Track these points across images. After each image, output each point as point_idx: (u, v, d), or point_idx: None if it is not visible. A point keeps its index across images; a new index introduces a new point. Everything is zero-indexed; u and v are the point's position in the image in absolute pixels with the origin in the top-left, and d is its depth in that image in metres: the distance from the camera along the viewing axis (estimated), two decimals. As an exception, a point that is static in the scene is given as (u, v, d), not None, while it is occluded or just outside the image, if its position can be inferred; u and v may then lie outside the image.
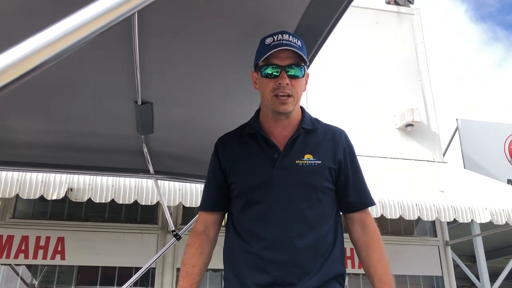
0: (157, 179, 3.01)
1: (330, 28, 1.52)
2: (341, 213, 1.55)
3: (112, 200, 3.67)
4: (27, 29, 0.75)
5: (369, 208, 1.54)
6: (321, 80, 5.88)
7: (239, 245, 1.44)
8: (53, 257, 4.48)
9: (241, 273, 1.41)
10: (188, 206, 3.83)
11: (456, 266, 5.73)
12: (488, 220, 4.23)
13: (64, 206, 4.73)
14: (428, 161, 6.04)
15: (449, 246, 5.61)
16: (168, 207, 3.61)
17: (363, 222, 1.50)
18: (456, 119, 6.96)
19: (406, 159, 5.91)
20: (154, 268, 4.65)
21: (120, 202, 3.72)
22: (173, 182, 3.61)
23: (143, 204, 3.76)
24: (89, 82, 1.83)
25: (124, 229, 4.74)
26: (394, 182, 5.05)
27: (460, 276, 6.23)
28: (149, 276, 4.65)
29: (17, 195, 3.51)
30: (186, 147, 2.52)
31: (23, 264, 4.49)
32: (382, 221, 4.62)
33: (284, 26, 1.44)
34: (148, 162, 2.62)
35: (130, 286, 2.89)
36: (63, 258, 4.50)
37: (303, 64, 1.41)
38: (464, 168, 6.45)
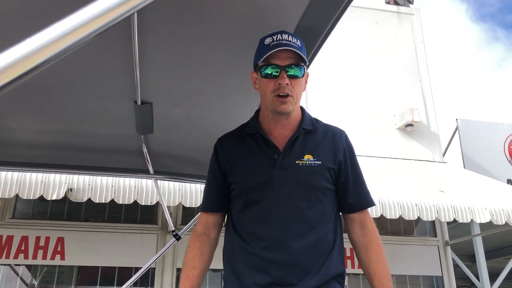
0: (156, 179, 3.01)
1: (329, 28, 1.52)
2: (340, 214, 1.55)
3: (112, 200, 3.67)
4: (26, 29, 0.74)
5: (369, 208, 1.54)
6: (321, 80, 5.88)
7: (239, 245, 1.44)
8: (53, 257, 4.48)
9: (241, 273, 1.41)
10: (188, 206, 3.83)
11: (456, 266, 5.73)
12: (488, 220, 4.23)
13: (64, 206, 4.72)
14: (428, 161, 6.05)
15: (449, 246, 5.61)
16: (168, 207, 3.61)
17: (363, 222, 1.50)
18: (456, 119, 6.96)
19: (406, 159, 5.91)
20: (154, 268, 4.65)
21: (120, 202, 3.72)
22: (172, 182, 3.61)
23: (143, 204, 3.76)
24: (89, 82, 1.83)
25: (124, 229, 4.74)
26: (394, 182, 5.05)
27: (460, 276, 6.23)
28: (149, 276, 4.65)
29: (17, 195, 3.51)
30: (185, 147, 2.52)
31: (22, 264, 4.49)
32: (382, 221, 4.62)
33: (284, 26, 1.44)
34: (148, 162, 2.62)
35: (130, 286, 2.89)
36: (63, 258, 4.50)
37: (302, 64, 1.40)
38: (464, 168, 6.46)
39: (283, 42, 1.36)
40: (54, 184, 3.57)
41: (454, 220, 4.25)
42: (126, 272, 4.48)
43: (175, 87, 1.91)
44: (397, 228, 5.59)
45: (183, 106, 2.08)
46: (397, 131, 6.14)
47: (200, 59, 1.70)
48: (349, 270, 4.85)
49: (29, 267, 4.51)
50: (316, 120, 1.55)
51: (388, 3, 7.12)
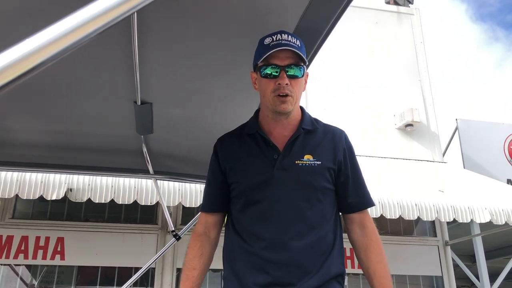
0: (156, 179, 3.01)
1: (329, 28, 1.52)
2: (340, 214, 1.55)
3: (112, 200, 3.67)
4: (26, 29, 0.74)
5: (369, 209, 1.54)
6: (321, 80, 5.88)
7: (239, 245, 1.44)
8: (52, 257, 4.48)
9: (241, 273, 1.41)
10: (187, 206, 3.83)
11: (455, 266, 5.73)
12: (488, 220, 4.23)
13: (64, 206, 4.72)
14: (427, 161, 6.05)
15: (449, 246, 5.61)
16: (168, 207, 3.61)
17: (362, 222, 1.50)
18: (456, 119, 6.96)
19: (406, 159, 5.91)
20: (154, 268, 4.65)
21: (120, 202, 3.71)
22: (172, 182, 3.61)
23: (143, 204, 3.76)
24: (89, 82, 1.83)
25: (123, 229, 4.74)
26: (394, 182, 5.05)
27: (460, 276, 6.23)
28: (148, 276, 4.65)
29: (17, 195, 3.51)
30: (185, 147, 2.52)
31: (22, 264, 4.48)
32: (381, 221, 4.62)
33: (284, 26, 1.44)
34: (148, 162, 2.62)
35: (130, 286, 2.89)
36: (62, 258, 4.50)
37: (302, 64, 1.40)
38: (464, 168, 6.46)
39: (283, 42, 1.36)
40: (54, 184, 3.57)
41: (454, 220, 4.25)
42: (126, 272, 4.48)
43: (175, 87, 1.91)
44: (397, 228, 5.59)
45: (183, 106, 2.08)
46: (397, 131, 6.14)
47: (200, 59, 1.70)
48: (349, 270, 4.85)
49: (29, 267, 4.51)
50: (316, 120, 1.55)
51: (388, 3, 7.12)
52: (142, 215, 4.88)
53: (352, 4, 1.41)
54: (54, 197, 3.54)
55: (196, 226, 1.57)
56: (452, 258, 5.62)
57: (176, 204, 3.77)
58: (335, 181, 1.48)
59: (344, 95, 6.10)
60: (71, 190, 3.62)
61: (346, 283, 4.81)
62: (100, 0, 0.64)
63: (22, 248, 4.45)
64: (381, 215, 4.07)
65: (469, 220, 4.23)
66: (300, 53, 1.37)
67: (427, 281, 5.50)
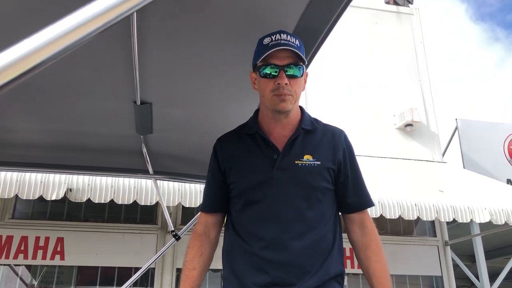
0: (156, 179, 3.01)
1: (329, 28, 1.52)
2: (340, 213, 1.55)
3: (112, 201, 3.67)
4: (25, 28, 0.74)
5: (368, 209, 1.54)
6: (321, 80, 5.88)
7: (239, 245, 1.44)
8: (52, 258, 4.48)
9: (240, 273, 1.41)
10: (187, 206, 3.83)
11: (455, 266, 5.73)
12: (488, 220, 4.24)
13: (64, 207, 4.72)
14: (427, 161, 6.05)
15: (449, 246, 5.61)
16: (168, 207, 3.61)
17: (362, 222, 1.50)
18: (456, 119, 6.96)
19: (406, 159, 5.91)
20: (154, 268, 4.65)
21: (120, 203, 3.71)
22: (172, 182, 3.61)
23: (143, 204, 3.76)
24: (88, 82, 1.83)
25: (123, 229, 4.73)
26: (394, 182, 5.06)
27: (460, 276, 6.23)
28: (148, 276, 4.64)
29: (16, 196, 3.51)
30: (185, 147, 2.52)
31: (22, 265, 4.48)
32: (381, 221, 4.62)
33: (283, 26, 1.44)
34: (147, 162, 2.62)
35: (130, 286, 2.89)
36: (62, 258, 4.50)
37: (301, 64, 1.40)
38: (464, 168, 6.46)
39: (282, 41, 1.36)
40: (53, 184, 3.57)
41: (454, 220, 4.25)
42: (125, 272, 4.48)
43: (175, 87, 1.91)
44: (397, 228, 5.59)
45: (183, 106, 2.08)
46: (397, 131, 6.14)
47: (199, 59, 1.70)
48: (348, 270, 4.85)
49: (28, 267, 4.51)
50: (315, 120, 1.55)
51: (387, 3, 7.12)
52: (142, 215, 4.88)
53: (352, 4, 1.41)
54: (53, 197, 3.54)
55: (196, 226, 1.57)
56: (452, 258, 5.62)
57: (176, 204, 3.77)
58: (334, 181, 1.47)
59: (344, 95, 6.11)
60: (70, 190, 3.62)
61: (346, 283, 4.81)
62: (100, -1, 0.64)
63: (22, 248, 4.45)
64: (381, 215, 4.07)
65: (469, 220, 4.23)
66: (299, 53, 1.37)
67: (427, 281, 5.50)
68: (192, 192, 3.81)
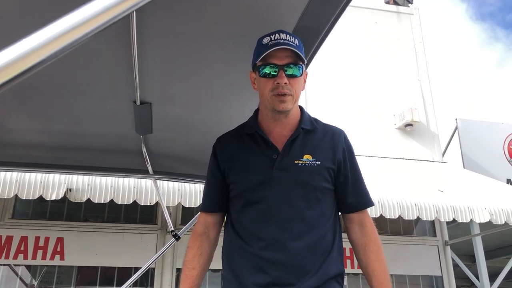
0: (156, 179, 3.01)
1: (329, 28, 1.52)
2: (339, 213, 1.55)
3: (111, 201, 3.67)
4: (24, 28, 0.74)
5: (368, 208, 1.54)
6: (321, 80, 5.88)
7: (238, 245, 1.44)
8: (52, 258, 4.48)
9: (240, 273, 1.41)
10: (187, 206, 3.83)
11: (455, 265, 5.73)
12: (487, 220, 4.24)
13: (63, 207, 4.72)
14: (427, 161, 6.05)
15: (449, 246, 5.61)
16: (167, 207, 3.61)
17: (362, 222, 1.50)
18: (456, 119, 6.97)
19: (406, 159, 5.91)
20: (154, 268, 4.65)
21: (119, 203, 3.71)
22: (172, 182, 3.61)
23: (142, 204, 3.76)
24: (88, 82, 1.82)
25: (123, 230, 4.73)
26: (394, 182, 5.05)
27: (460, 276, 6.23)
28: (148, 276, 4.64)
29: (16, 196, 3.51)
30: (185, 147, 2.52)
31: (22, 265, 4.48)
32: (381, 221, 4.62)
33: (283, 26, 1.44)
34: (147, 162, 2.61)
35: (130, 286, 2.89)
36: (62, 258, 4.50)
37: (301, 63, 1.40)
38: (464, 168, 6.46)
39: (281, 41, 1.36)
40: (53, 184, 3.57)
41: (454, 220, 4.25)
42: (125, 272, 4.48)
43: (174, 87, 1.91)
44: (397, 228, 5.59)
45: (183, 106, 2.08)
46: (397, 131, 6.14)
47: (199, 59, 1.69)
48: (348, 270, 4.85)
49: (28, 267, 4.51)
50: (315, 119, 1.55)
51: (387, 3, 7.12)
52: (141, 215, 4.88)
53: (351, 4, 1.41)
54: (53, 197, 3.54)
55: (195, 226, 1.57)
56: (451, 258, 5.62)
57: (176, 204, 3.77)
58: (334, 181, 1.47)
59: (343, 95, 6.11)
60: (70, 190, 3.62)
61: (345, 283, 4.81)
62: (99, -1, 0.64)
63: (22, 248, 4.45)
64: (381, 215, 4.07)
65: (469, 220, 4.23)
66: (298, 52, 1.37)
67: (427, 281, 5.50)
68: (192, 192, 3.81)
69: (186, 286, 1.45)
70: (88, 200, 3.66)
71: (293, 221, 1.39)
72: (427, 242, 5.62)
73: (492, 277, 5.62)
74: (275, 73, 1.38)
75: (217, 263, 1.54)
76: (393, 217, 4.09)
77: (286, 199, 1.40)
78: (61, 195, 3.56)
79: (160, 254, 3.03)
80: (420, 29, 6.83)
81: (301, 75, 1.42)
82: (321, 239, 1.40)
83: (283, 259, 1.36)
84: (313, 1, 1.40)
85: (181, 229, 2.96)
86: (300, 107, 1.53)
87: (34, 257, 4.45)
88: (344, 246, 1.49)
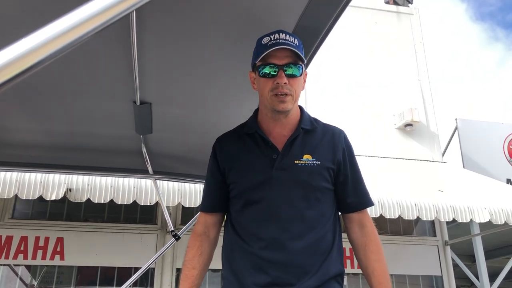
0: (156, 179, 3.01)
1: (328, 28, 1.52)
2: (339, 213, 1.55)
3: (111, 201, 3.67)
4: (23, 27, 0.74)
5: (368, 208, 1.54)
6: (321, 80, 5.88)
7: (238, 245, 1.44)
8: (52, 258, 4.48)
9: (240, 272, 1.41)
10: (187, 206, 3.83)
11: (455, 265, 5.73)
12: (487, 220, 4.24)
13: (63, 207, 4.72)
14: (427, 161, 6.05)
15: (449, 246, 5.61)
16: (167, 207, 3.61)
17: (361, 222, 1.50)
18: (456, 119, 6.97)
19: (405, 159, 5.91)
20: (154, 268, 4.65)
21: (119, 203, 3.71)
22: (172, 182, 3.61)
23: (142, 204, 3.76)
24: (88, 82, 1.82)
25: (123, 230, 4.73)
26: (393, 182, 5.05)
27: (460, 276, 6.23)
28: (148, 276, 4.64)
29: (16, 196, 3.51)
30: (185, 147, 2.52)
31: (22, 265, 4.48)
32: (381, 221, 4.62)
33: (283, 25, 1.44)
34: (147, 162, 2.61)
35: (130, 286, 2.89)
36: (62, 258, 4.50)
37: (300, 63, 1.40)
38: (463, 167, 6.46)
39: (281, 41, 1.36)
40: (53, 184, 3.57)
41: (454, 220, 4.25)
42: (125, 272, 4.48)
43: (174, 87, 1.91)
44: (397, 228, 5.59)
45: (182, 106, 2.08)
46: (397, 131, 6.14)
47: (199, 59, 1.69)
48: (348, 270, 4.85)
49: (28, 267, 4.51)
50: (315, 119, 1.55)
51: (387, 3, 7.12)
52: (141, 215, 4.88)
53: (351, 4, 1.41)
54: (53, 197, 3.54)
55: (195, 226, 1.57)
56: (451, 257, 5.62)
57: (176, 204, 3.77)
58: (334, 181, 1.47)
59: (343, 95, 6.11)
60: (70, 190, 3.62)
61: (345, 283, 4.81)
62: (98, -2, 0.64)
63: (22, 248, 4.45)
64: (381, 215, 4.07)
65: (469, 220, 4.23)
66: (298, 52, 1.37)
67: (427, 281, 5.50)
68: (192, 192, 3.81)
69: (186, 285, 1.45)
70: (88, 200, 3.66)
71: (293, 221, 1.39)
72: (427, 242, 5.62)
73: (492, 277, 5.62)
74: (275, 73, 1.38)
75: (217, 263, 1.54)
76: (393, 217, 4.09)
77: (286, 199, 1.40)
78: (61, 195, 3.56)
79: (160, 254, 3.03)
80: (420, 29, 6.83)
81: (301, 75, 1.42)
82: (321, 239, 1.40)
83: (283, 259, 1.36)
84: (313, 1, 1.40)
85: (181, 229, 2.96)
86: (300, 107, 1.53)
87: (34, 257, 4.45)
88: (344, 246, 1.49)
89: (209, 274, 4.74)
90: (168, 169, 2.83)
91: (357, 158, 1.56)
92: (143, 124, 2.14)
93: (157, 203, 3.88)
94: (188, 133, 2.36)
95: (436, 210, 4.19)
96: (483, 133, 6.96)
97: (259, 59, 1.38)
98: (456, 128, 6.88)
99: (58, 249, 4.51)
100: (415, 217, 4.16)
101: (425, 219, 4.24)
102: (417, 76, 6.51)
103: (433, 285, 5.49)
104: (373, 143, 5.87)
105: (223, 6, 1.40)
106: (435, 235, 5.69)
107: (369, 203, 1.53)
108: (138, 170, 2.82)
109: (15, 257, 4.41)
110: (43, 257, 4.46)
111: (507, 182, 6.55)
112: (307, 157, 1.43)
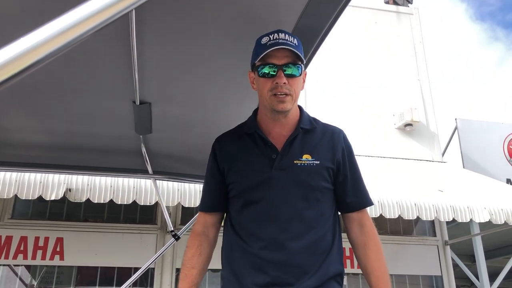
0: (155, 179, 3.01)
1: (328, 28, 1.52)
2: (339, 213, 1.54)
3: (111, 201, 3.67)
4: (22, 27, 0.74)
5: (368, 208, 1.54)
6: (320, 80, 5.88)
7: (238, 245, 1.44)
8: (52, 258, 4.47)
9: (239, 272, 1.41)
10: (187, 206, 3.83)
11: (455, 265, 5.73)
12: (487, 220, 4.23)
13: (63, 207, 4.72)
14: (427, 160, 6.05)
15: (448, 246, 5.61)
16: (167, 207, 3.61)
17: (361, 222, 1.50)
18: (455, 119, 6.96)
19: (405, 159, 5.91)
20: (153, 268, 4.64)
21: (119, 203, 3.71)
22: (171, 182, 3.60)
23: (142, 204, 3.75)
24: (87, 82, 1.82)
25: (123, 230, 4.73)
26: (393, 181, 5.05)
27: (460, 276, 6.23)
28: (148, 276, 4.64)
29: (16, 196, 3.50)
30: (184, 147, 2.51)
31: (22, 265, 4.48)
32: (381, 220, 4.62)
33: (283, 25, 1.44)
34: (147, 162, 2.61)
35: (129, 286, 2.89)
36: (62, 258, 4.50)
37: (300, 63, 1.40)
38: (463, 167, 6.46)
39: (280, 41, 1.36)
40: (53, 184, 3.56)
41: (454, 220, 4.25)
42: (125, 272, 4.47)
43: (174, 87, 1.91)
44: (397, 228, 5.59)
45: (182, 105, 2.08)
46: (397, 130, 6.14)
47: (198, 58, 1.69)
48: (348, 270, 4.85)
49: (28, 267, 4.51)
50: (314, 119, 1.55)
51: (387, 2, 7.12)
52: (141, 215, 4.88)
53: (351, 3, 1.41)
54: (53, 197, 3.54)
55: (194, 226, 1.57)
56: (451, 257, 5.62)
57: (175, 204, 3.77)
58: (333, 180, 1.47)
59: (343, 95, 6.11)
60: (70, 190, 3.62)
61: (345, 282, 4.81)
62: (97, -2, 0.63)
63: (21, 248, 4.44)
64: (381, 215, 4.07)
65: (469, 220, 4.23)
66: (297, 52, 1.37)
67: (427, 281, 5.49)
68: (192, 192, 3.81)
69: (185, 285, 1.44)
70: (88, 200, 3.66)
71: (292, 221, 1.39)
72: (427, 242, 5.62)
73: (492, 277, 5.62)
74: (274, 73, 1.38)
75: (216, 263, 1.54)
76: (393, 217, 4.09)
77: (286, 199, 1.40)
78: (60, 195, 3.56)
79: (160, 254, 3.03)
80: (420, 29, 6.83)
81: (300, 75, 1.42)
82: (320, 239, 1.40)
83: (283, 259, 1.36)
84: (313, 1, 1.40)
85: (181, 229, 2.96)
86: (299, 107, 1.53)
87: (33, 257, 4.44)
88: (344, 246, 1.49)
89: (209, 274, 4.74)
90: (167, 169, 2.82)
91: (356, 158, 1.56)
92: (142, 124, 2.14)
93: (156, 203, 3.88)
94: (188, 133, 2.36)
95: (436, 210, 4.19)
96: (483, 133, 6.96)
97: (258, 59, 1.38)
98: (456, 128, 6.88)
99: (58, 249, 4.51)
100: (415, 217, 4.16)
101: (425, 219, 4.24)
102: (417, 76, 6.51)
103: (433, 285, 5.49)
104: (372, 143, 5.87)
105: (223, 5, 1.40)
106: (435, 235, 5.69)
107: (369, 202, 1.53)
108: (137, 170, 2.82)
109: (14, 257, 4.41)
110: (43, 257, 4.46)
111: (507, 182, 6.55)
112: (306, 157, 1.43)
